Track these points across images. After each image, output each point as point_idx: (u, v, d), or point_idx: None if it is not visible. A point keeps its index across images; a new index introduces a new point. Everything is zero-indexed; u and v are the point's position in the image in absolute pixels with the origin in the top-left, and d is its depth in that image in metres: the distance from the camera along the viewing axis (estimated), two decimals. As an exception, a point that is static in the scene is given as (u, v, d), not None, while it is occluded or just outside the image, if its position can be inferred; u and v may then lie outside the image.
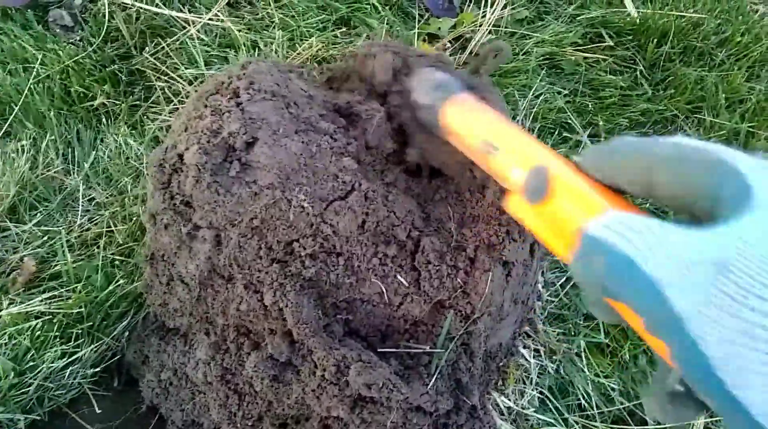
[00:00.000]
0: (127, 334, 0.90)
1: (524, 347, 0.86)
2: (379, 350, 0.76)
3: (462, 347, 0.77)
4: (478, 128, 0.61)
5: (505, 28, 1.24)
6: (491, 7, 1.25)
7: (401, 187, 0.83)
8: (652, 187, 0.37)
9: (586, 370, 0.86)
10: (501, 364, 0.84)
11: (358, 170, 0.77)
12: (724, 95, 1.16)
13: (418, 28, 1.22)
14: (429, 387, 0.73)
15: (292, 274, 0.75)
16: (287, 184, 0.74)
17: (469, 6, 1.28)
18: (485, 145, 0.57)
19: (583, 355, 0.88)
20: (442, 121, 0.69)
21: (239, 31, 1.14)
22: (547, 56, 1.21)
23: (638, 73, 1.20)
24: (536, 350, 0.87)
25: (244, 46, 1.10)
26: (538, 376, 0.85)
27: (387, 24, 1.21)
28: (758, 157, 0.34)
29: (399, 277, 0.76)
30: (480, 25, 1.23)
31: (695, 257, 0.30)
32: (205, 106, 0.77)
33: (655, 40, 1.20)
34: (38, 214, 0.99)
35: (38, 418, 0.85)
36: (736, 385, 0.28)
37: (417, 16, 1.24)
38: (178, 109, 1.04)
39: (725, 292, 0.28)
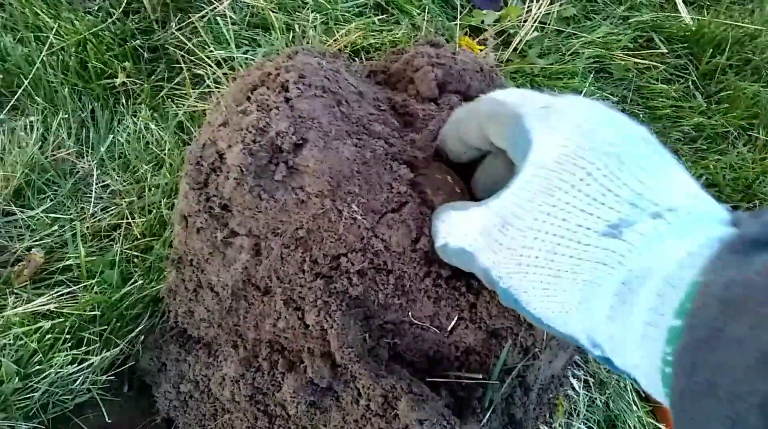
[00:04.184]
0: (142, 338, 0.83)
1: (573, 377, 0.80)
2: (428, 380, 0.69)
3: (517, 380, 0.71)
4: None
5: (552, 25, 1.16)
6: (537, 1, 1.18)
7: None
8: (489, 140, 0.45)
9: (636, 406, 0.80)
10: (551, 396, 0.78)
11: (415, 179, 0.70)
12: (778, 113, 1.10)
13: (459, 20, 1.14)
14: (483, 423, 0.67)
15: (337, 292, 0.68)
16: (338, 193, 0.66)
17: (514, 0, 1.20)
18: None
19: (629, 389, 0.82)
20: None
21: (271, 10, 1.05)
22: (596, 59, 1.14)
23: (690, 83, 1.14)
24: (585, 381, 0.81)
25: (279, 29, 1.02)
26: (586, 410, 0.79)
27: (428, 13, 1.13)
28: (549, 103, 0.40)
29: (453, 300, 0.69)
30: (525, 21, 1.16)
31: (489, 226, 0.40)
32: (250, 100, 0.69)
33: (710, 50, 1.14)
34: (47, 200, 0.91)
35: (42, 427, 0.78)
36: (527, 301, 0.38)
37: (459, 6, 1.16)
38: (206, 94, 0.95)
39: (507, 241, 0.38)
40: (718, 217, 0.33)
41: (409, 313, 0.69)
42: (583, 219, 0.34)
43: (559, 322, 0.36)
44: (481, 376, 0.70)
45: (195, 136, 0.92)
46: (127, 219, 0.88)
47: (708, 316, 0.27)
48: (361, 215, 0.66)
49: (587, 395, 0.80)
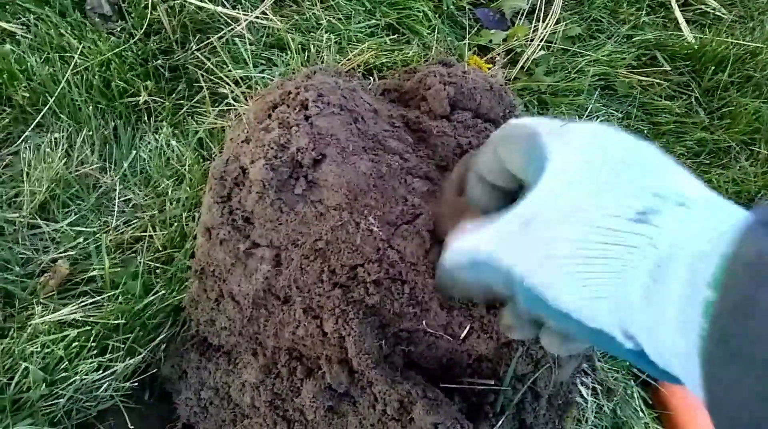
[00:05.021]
0: (163, 346, 0.85)
1: (582, 384, 0.83)
2: (442, 385, 0.72)
3: (528, 386, 0.74)
4: None
5: (558, 44, 1.20)
6: (543, 21, 1.22)
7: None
8: (506, 171, 0.45)
9: (643, 412, 0.83)
10: (560, 402, 0.80)
11: (428, 193, 0.74)
12: (779, 128, 1.13)
13: (468, 39, 1.17)
14: (495, 428, 0.69)
15: (354, 301, 0.71)
16: (355, 206, 0.70)
17: (521, 20, 1.24)
18: None
19: (636, 396, 0.85)
20: None
21: (287, 31, 1.09)
22: (601, 77, 1.17)
23: (693, 100, 1.17)
24: (593, 388, 0.83)
25: (294, 49, 1.05)
26: (594, 416, 0.81)
27: (437, 33, 1.16)
28: (564, 124, 0.41)
29: (465, 309, 0.72)
30: (531, 40, 1.19)
31: (507, 228, 0.41)
32: (271, 118, 0.73)
33: (712, 68, 1.17)
34: (71, 213, 0.95)
35: (65, 432, 0.80)
36: (554, 296, 0.36)
37: (467, 26, 1.20)
38: (225, 112, 0.99)
39: (531, 237, 0.38)
40: (735, 208, 0.34)
41: (423, 322, 0.72)
42: (611, 208, 0.35)
43: (588, 314, 0.35)
44: (493, 382, 0.72)
45: (215, 152, 0.96)
46: (149, 232, 0.92)
47: (739, 284, 0.28)
48: (377, 227, 0.69)
49: (595, 402, 0.82)
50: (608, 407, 0.83)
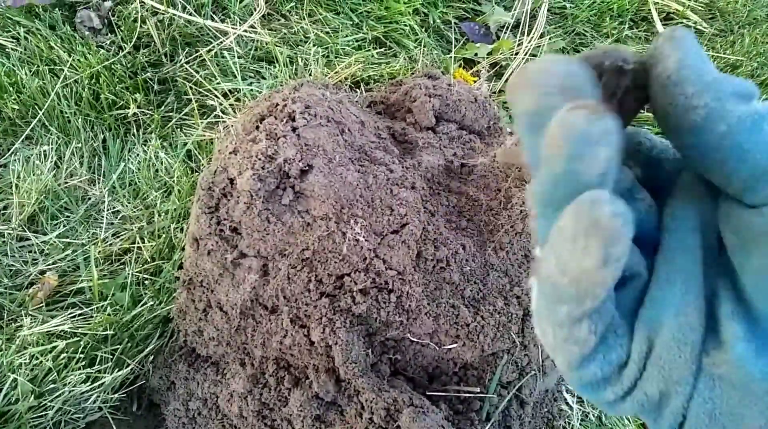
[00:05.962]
0: (152, 358, 0.86)
1: (567, 391, 0.84)
2: (428, 393, 0.73)
3: (513, 394, 0.75)
4: None
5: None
6: (528, 35, 1.24)
7: (455, 221, 0.80)
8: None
9: (627, 419, 0.84)
10: (546, 410, 0.81)
11: (414, 203, 0.75)
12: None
13: (454, 53, 1.19)
14: (480, 435, 0.70)
15: (341, 310, 0.71)
16: (342, 216, 0.71)
17: (506, 33, 1.26)
18: None
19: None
20: None
21: (275, 45, 1.11)
22: (584, 89, 1.19)
23: (675, 111, 1.19)
24: (579, 396, 0.84)
25: (282, 62, 1.07)
26: (580, 423, 0.82)
27: (424, 46, 1.18)
28: None
29: (452, 317, 0.73)
30: (516, 53, 1.21)
31: None
32: (259, 129, 0.74)
33: (693, 80, 1.19)
34: (60, 225, 0.95)
35: (54, 444, 0.80)
36: None
37: (453, 39, 1.22)
38: (213, 124, 1.00)
39: None
40: None
41: (409, 330, 0.72)
42: None
43: None
44: (478, 390, 0.73)
45: (203, 164, 0.97)
46: (138, 243, 0.92)
47: None
48: (363, 237, 0.70)
49: (581, 409, 0.83)
50: (594, 414, 0.84)
